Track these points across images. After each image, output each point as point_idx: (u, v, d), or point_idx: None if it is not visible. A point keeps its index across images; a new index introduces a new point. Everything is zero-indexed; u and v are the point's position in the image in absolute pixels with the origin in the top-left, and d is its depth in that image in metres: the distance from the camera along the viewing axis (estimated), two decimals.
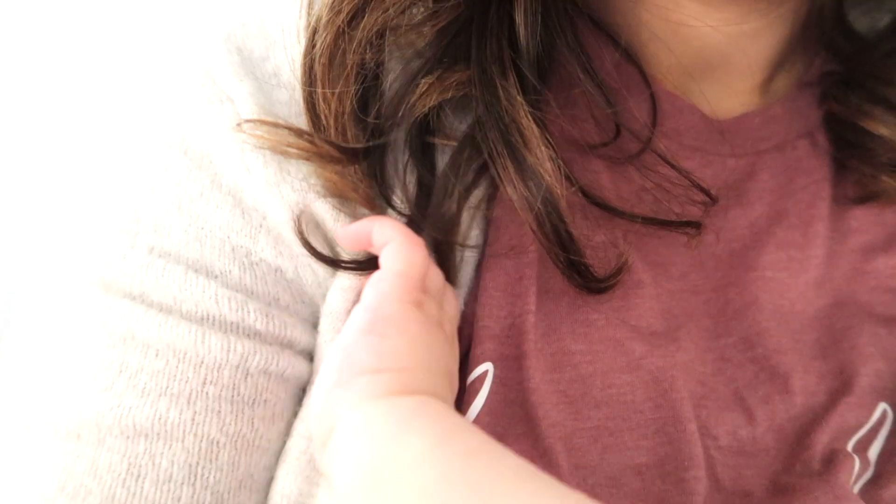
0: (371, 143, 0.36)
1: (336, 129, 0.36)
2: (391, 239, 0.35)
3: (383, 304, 0.33)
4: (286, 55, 0.38)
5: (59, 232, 0.39)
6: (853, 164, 0.46)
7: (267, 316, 0.37)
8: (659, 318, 0.40)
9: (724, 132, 0.43)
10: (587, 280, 0.37)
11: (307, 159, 0.36)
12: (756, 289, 0.43)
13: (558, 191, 0.35)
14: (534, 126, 0.35)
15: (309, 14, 0.37)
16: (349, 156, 0.36)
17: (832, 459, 0.41)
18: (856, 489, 0.42)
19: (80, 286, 0.37)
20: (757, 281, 0.43)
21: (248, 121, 0.36)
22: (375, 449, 0.28)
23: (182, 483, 0.36)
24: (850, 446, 0.42)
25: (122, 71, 0.40)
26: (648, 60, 0.41)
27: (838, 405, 0.42)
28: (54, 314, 0.38)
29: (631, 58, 0.40)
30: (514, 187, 0.36)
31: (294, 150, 0.36)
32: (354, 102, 0.36)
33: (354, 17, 0.36)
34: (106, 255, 0.37)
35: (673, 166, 0.40)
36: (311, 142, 0.36)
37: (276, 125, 0.36)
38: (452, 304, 0.37)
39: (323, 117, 0.36)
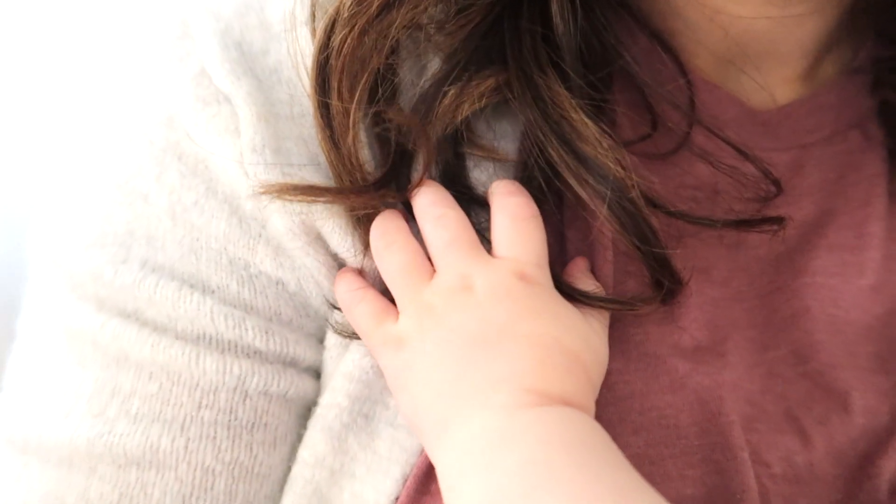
0: (390, 168, 0.34)
1: (352, 141, 0.34)
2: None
3: None
4: (289, 49, 0.35)
5: (53, 243, 0.37)
6: None
7: (267, 332, 0.35)
8: (703, 331, 0.37)
9: (767, 124, 0.40)
10: (672, 277, 0.35)
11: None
12: (806, 296, 0.40)
13: (629, 181, 0.33)
14: (584, 118, 0.34)
15: (312, 5, 0.35)
16: (375, 186, 0.34)
17: None
18: None
19: (75, 303, 0.35)
20: (806, 287, 0.40)
21: (270, 185, 0.34)
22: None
23: None
24: None
25: (112, 69, 0.38)
26: (684, 50, 0.39)
27: None
28: (49, 332, 0.36)
29: (666, 46, 0.38)
30: (580, 183, 0.34)
31: (321, 200, 0.34)
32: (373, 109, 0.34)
33: (383, 11, 0.33)
34: (99, 270, 0.35)
35: (741, 152, 0.37)
36: (337, 194, 0.34)
37: (296, 187, 0.34)
38: None
39: (338, 128, 0.34)
